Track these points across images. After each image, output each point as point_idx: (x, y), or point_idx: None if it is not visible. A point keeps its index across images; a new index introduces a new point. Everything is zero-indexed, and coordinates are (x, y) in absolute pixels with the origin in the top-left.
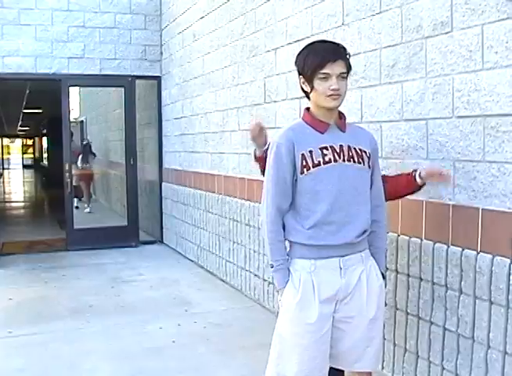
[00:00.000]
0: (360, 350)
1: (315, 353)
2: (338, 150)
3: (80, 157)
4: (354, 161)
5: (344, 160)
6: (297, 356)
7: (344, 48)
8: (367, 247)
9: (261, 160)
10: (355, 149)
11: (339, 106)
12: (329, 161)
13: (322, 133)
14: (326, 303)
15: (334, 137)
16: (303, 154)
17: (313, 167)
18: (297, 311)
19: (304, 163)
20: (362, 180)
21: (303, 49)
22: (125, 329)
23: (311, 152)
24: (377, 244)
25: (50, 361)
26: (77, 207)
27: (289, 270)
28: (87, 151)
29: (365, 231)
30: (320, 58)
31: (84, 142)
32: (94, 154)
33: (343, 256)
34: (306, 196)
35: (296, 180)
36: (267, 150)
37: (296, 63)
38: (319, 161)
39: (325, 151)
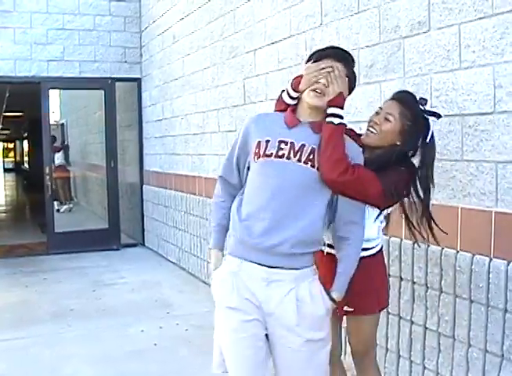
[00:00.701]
0: (298, 371)
1: (236, 356)
2: (297, 149)
3: (60, 152)
4: (312, 166)
5: (299, 161)
6: (221, 349)
7: (353, 59)
8: (309, 266)
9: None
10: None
11: (321, 106)
12: (282, 156)
13: (290, 128)
14: (248, 304)
15: (300, 135)
16: (259, 142)
17: (263, 157)
18: (219, 297)
19: (257, 150)
20: (316, 187)
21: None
22: (107, 332)
23: (267, 141)
24: (343, 265)
25: (31, 366)
26: (58, 211)
27: (224, 237)
28: (67, 149)
29: (305, 245)
30: (323, 54)
31: (65, 143)
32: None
33: (270, 267)
34: (250, 184)
35: (249, 166)
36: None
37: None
38: (271, 153)
39: (282, 145)
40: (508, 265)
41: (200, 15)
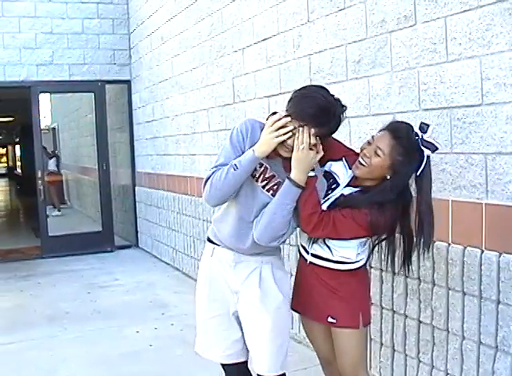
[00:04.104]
0: (262, 338)
1: (211, 333)
2: (267, 176)
3: (53, 159)
4: (273, 195)
5: (263, 187)
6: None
7: (334, 115)
8: (273, 254)
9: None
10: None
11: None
12: (253, 176)
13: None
14: (217, 289)
15: (274, 166)
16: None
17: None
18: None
19: None
20: None
21: (303, 93)
22: (102, 334)
23: None
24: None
25: (27, 369)
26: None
27: None
28: (58, 157)
29: (265, 248)
30: (299, 115)
31: (57, 151)
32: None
33: (237, 252)
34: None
35: None
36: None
37: (290, 99)
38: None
39: (257, 166)
40: (500, 256)
41: (188, 15)
